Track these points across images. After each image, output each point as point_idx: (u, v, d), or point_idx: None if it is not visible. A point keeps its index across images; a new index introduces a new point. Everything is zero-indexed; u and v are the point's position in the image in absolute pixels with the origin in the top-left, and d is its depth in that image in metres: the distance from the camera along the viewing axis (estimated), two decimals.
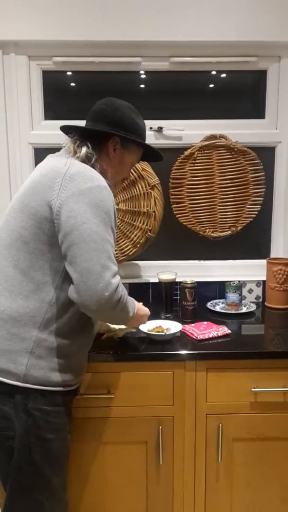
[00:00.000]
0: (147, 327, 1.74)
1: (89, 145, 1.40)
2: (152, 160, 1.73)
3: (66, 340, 1.35)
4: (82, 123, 2.07)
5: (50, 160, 1.42)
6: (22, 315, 1.29)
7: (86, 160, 1.38)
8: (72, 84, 2.17)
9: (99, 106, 1.52)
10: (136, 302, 1.48)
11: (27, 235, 1.30)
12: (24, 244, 1.30)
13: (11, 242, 1.32)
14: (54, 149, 2.05)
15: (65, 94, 2.17)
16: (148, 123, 2.11)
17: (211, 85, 2.19)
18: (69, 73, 2.14)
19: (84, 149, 1.39)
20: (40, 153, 2.14)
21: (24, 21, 1.97)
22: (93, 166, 1.38)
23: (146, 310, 1.58)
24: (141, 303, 1.57)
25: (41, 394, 1.31)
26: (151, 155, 1.63)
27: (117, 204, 2.07)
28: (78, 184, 1.28)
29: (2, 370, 1.29)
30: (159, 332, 1.71)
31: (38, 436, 1.31)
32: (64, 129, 1.52)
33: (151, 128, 2.13)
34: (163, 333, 1.71)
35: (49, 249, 1.30)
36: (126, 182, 1.70)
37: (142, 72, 2.15)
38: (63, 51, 2.07)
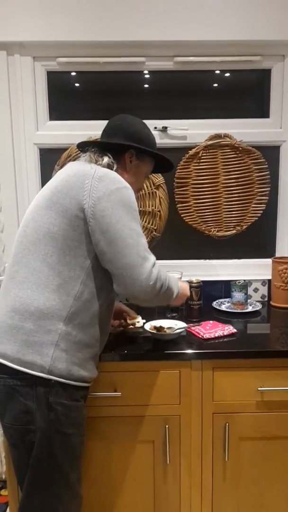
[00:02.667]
0: (149, 326, 1.74)
1: (110, 156, 1.48)
2: (162, 171, 1.79)
3: (87, 335, 1.39)
4: (87, 123, 2.11)
5: (73, 165, 1.47)
6: (49, 307, 1.33)
7: (107, 168, 1.44)
8: (77, 85, 2.18)
9: (114, 122, 1.60)
10: (178, 280, 1.60)
11: (55, 231, 1.35)
12: (52, 239, 1.34)
13: (39, 238, 1.36)
14: (59, 150, 2.09)
15: (69, 94, 2.18)
16: (153, 122, 2.12)
17: (215, 85, 2.19)
18: (73, 73, 2.15)
19: (106, 159, 1.47)
20: (45, 154, 2.15)
21: (28, 22, 1.98)
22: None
23: (185, 285, 1.70)
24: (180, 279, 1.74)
25: (63, 387, 1.33)
26: (162, 166, 1.71)
27: None
28: (108, 185, 1.35)
29: (28, 361, 1.31)
30: (160, 331, 1.71)
31: (58, 430, 1.33)
32: (80, 145, 1.60)
33: (155, 127, 2.13)
34: (168, 333, 1.71)
35: (77, 245, 1.35)
36: (140, 192, 1.76)
37: (146, 72, 2.15)
38: (68, 51, 2.07)
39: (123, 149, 1.54)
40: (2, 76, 2.06)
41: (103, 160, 1.45)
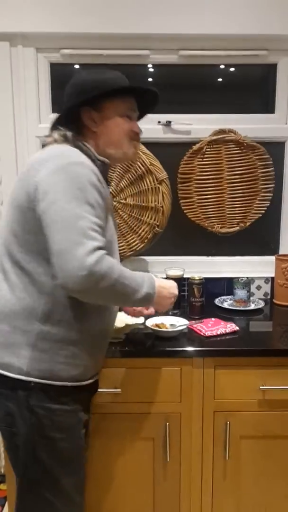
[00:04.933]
0: (151, 323, 1.73)
1: (60, 128, 1.33)
2: (151, 104, 1.49)
3: (72, 331, 1.29)
4: None
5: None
6: (21, 308, 1.26)
7: (65, 141, 1.31)
8: None
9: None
10: (160, 281, 1.39)
11: (15, 228, 1.27)
12: (15, 237, 1.27)
13: (6, 237, 1.30)
14: None
15: None
16: (157, 117, 2.10)
17: (220, 79, 2.17)
18: (76, 66, 2.12)
19: (55, 134, 1.33)
20: None
21: (31, 13, 1.95)
22: (79, 147, 1.30)
23: (170, 292, 1.44)
24: (170, 282, 1.47)
25: (44, 390, 1.26)
26: (147, 100, 1.45)
27: (125, 199, 2.06)
28: (49, 165, 1.22)
29: (5, 363, 1.27)
30: (161, 328, 1.70)
31: (42, 434, 1.27)
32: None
33: (159, 122, 2.11)
34: (170, 330, 1.69)
35: (35, 238, 1.24)
36: (138, 134, 1.44)
37: (150, 65, 2.13)
38: (71, 43, 2.05)
39: (76, 112, 1.34)
40: (4, 68, 2.03)
41: (55, 136, 1.32)
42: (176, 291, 1.47)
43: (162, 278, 1.55)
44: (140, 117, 1.51)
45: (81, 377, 1.34)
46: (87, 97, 1.32)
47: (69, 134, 1.32)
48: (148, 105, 1.48)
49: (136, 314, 1.66)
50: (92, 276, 1.14)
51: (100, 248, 1.17)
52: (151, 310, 1.62)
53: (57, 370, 1.28)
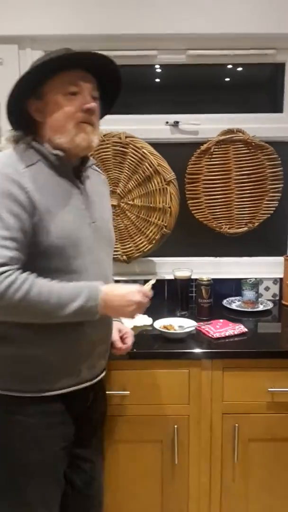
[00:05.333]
0: (159, 324, 1.72)
1: (9, 133, 1.28)
2: (116, 85, 1.39)
3: (26, 347, 1.23)
4: None
5: None
6: None
7: (11, 144, 1.25)
8: None
9: None
10: (112, 289, 1.25)
11: None
12: None
13: None
14: None
15: None
16: (164, 117, 2.10)
17: (228, 79, 2.16)
18: None
19: (2, 142, 1.28)
20: None
21: (39, 16, 1.95)
22: (30, 145, 1.24)
23: (127, 299, 1.24)
24: (127, 288, 1.27)
25: (5, 401, 1.25)
26: (111, 83, 1.35)
27: (133, 200, 2.05)
28: None
29: None
30: (169, 330, 1.69)
31: (3, 444, 1.26)
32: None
33: (167, 122, 2.10)
34: (178, 331, 1.69)
35: None
36: (89, 111, 1.27)
37: (157, 66, 2.12)
38: (79, 45, 2.01)
39: (21, 111, 1.24)
40: (13, 70, 2.03)
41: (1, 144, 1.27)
42: (135, 297, 1.24)
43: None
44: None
45: (49, 388, 1.27)
46: (18, 87, 1.20)
47: (9, 136, 1.26)
48: (112, 79, 1.33)
49: (122, 351, 1.48)
50: None
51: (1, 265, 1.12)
52: (126, 346, 1.47)
53: (16, 380, 1.25)
